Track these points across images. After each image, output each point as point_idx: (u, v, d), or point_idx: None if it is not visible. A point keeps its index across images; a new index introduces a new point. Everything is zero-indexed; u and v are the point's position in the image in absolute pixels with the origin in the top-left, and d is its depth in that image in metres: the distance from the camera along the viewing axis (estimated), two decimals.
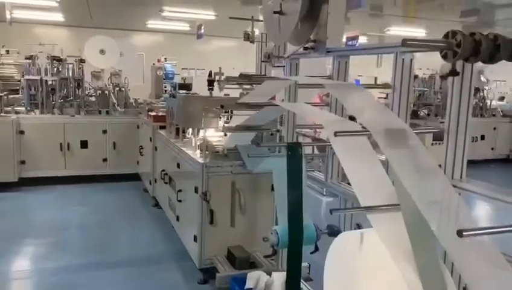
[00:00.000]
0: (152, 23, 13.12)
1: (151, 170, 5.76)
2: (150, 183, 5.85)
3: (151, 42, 13.91)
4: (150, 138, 5.72)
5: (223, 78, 4.16)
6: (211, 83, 4.05)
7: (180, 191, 4.19)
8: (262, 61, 3.26)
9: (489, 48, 1.62)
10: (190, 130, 4.33)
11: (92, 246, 4.60)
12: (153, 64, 10.35)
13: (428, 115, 9.20)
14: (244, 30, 3.50)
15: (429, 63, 12.25)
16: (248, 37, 3.47)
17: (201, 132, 4.08)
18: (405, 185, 1.42)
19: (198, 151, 3.98)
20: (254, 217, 3.74)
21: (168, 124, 5.37)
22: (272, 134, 3.30)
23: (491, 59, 1.67)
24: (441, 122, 8.72)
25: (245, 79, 3.11)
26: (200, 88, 8.50)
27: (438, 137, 8.67)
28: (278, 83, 2.82)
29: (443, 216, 1.33)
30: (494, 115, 9.89)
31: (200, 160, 3.65)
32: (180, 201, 4.19)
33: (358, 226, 2.74)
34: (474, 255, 1.19)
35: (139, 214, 5.64)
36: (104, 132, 6.94)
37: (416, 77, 10.85)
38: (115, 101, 7.16)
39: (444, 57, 1.68)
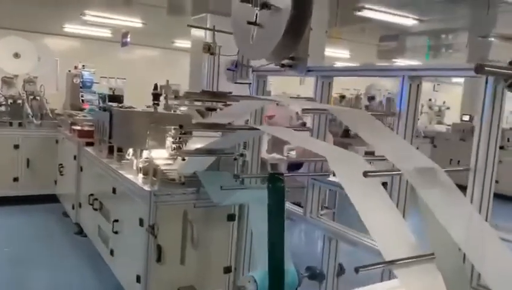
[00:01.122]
0: (70, 27, 12.15)
1: (74, 193, 5.05)
2: (73, 208, 5.12)
3: (66, 47, 12.81)
4: (75, 156, 5.01)
5: (170, 92, 3.70)
6: (156, 97, 3.56)
7: (116, 221, 3.62)
8: (228, 69, 2.86)
9: None
10: (130, 150, 3.78)
11: None
12: (69, 71, 9.44)
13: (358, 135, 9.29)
14: (204, 42, 3.08)
15: (356, 84, 12.61)
16: (209, 49, 3.06)
17: (145, 153, 3.58)
18: (453, 234, 1.30)
19: (140, 175, 3.45)
20: (208, 252, 3.29)
21: (96, 141, 4.74)
22: (235, 159, 2.90)
23: None
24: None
25: (207, 96, 2.69)
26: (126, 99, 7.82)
27: None
28: (254, 103, 2.45)
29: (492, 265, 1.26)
30: (416, 136, 10.27)
31: (147, 187, 3.14)
32: (116, 233, 3.62)
33: (341, 267, 2.44)
34: None
35: (59, 244, 4.90)
36: (16, 146, 6.05)
37: (344, 97, 11.06)
38: (29, 111, 6.28)
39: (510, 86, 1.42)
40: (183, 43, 13.83)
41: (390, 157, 1.57)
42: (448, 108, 13.78)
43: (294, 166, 6.36)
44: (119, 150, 4.05)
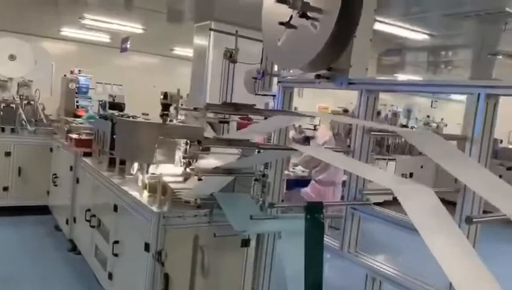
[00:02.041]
0: (67, 31, 11.80)
1: (69, 206, 4.69)
2: (67, 223, 4.76)
3: (62, 51, 12.45)
4: (71, 167, 4.66)
5: (182, 101, 3.39)
6: (166, 107, 3.24)
7: (117, 242, 3.28)
8: (255, 78, 2.55)
9: None
10: (135, 164, 3.45)
11: None
12: (64, 75, 9.12)
13: None
14: (225, 47, 2.77)
15: (342, 101, 12.32)
16: (230, 56, 2.76)
17: (152, 168, 3.26)
18: None
19: (145, 192, 3.12)
20: (218, 281, 2.96)
21: (95, 151, 4.41)
22: (256, 179, 2.58)
23: None
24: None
25: (230, 108, 2.38)
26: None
27: None
28: (287, 118, 2.15)
29: None
30: (420, 153, 10.02)
31: (155, 207, 2.81)
32: (116, 255, 3.28)
33: None
34: None
35: (50, 262, 4.52)
36: (8, 154, 5.69)
37: (347, 111, 10.78)
38: (23, 117, 5.92)
39: None
40: (183, 51, 13.55)
41: (483, 193, 1.28)
42: (446, 125, 13.60)
43: (301, 183, 6.05)
44: (121, 162, 3.72)
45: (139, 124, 3.17)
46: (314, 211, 1.86)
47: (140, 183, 3.24)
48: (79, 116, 7.18)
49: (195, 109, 3.04)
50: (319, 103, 13.48)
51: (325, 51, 1.92)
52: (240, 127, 3.28)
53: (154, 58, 15.19)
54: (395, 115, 9.78)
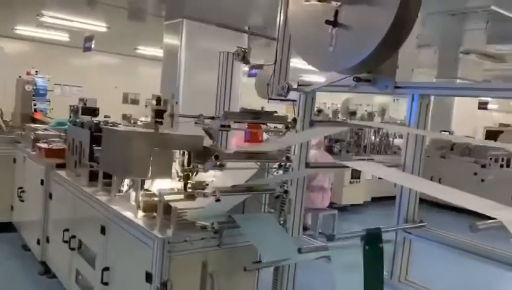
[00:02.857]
0: (22, 29, 11.06)
1: (40, 224, 4.20)
2: (38, 243, 4.25)
3: (14, 51, 11.66)
4: (42, 181, 4.17)
5: (175, 107, 3.02)
6: (159, 113, 2.86)
7: (107, 269, 2.87)
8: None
9: None
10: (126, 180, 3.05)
11: None
12: (20, 76, 8.48)
13: (340, 151, 8.88)
14: (237, 46, 2.43)
15: (333, 98, 12.24)
16: (244, 56, 2.41)
17: (146, 183, 2.88)
18: None
19: (140, 212, 2.74)
20: None
21: (70, 163, 3.95)
22: (277, 197, 2.27)
23: None
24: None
25: (249, 116, 2.06)
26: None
27: (355, 176, 8.38)
28: (324, 130, 1.85)
29: None
30: (395, 152, 10.02)
31: (157, 231, 2.43)
32: (106, 284, 2.87)
33: None
34: None
35: (20, 286, 4.02)
36: None
37: (321, 111, 10.62)
38: None
39: None
40: (148, 50, 13.01)
41: None
42: (401, 122, 13.74)
43: None
44: (105, 176, 3.30)
45: (131, 134, 2.78)
46: (374, 239, 1.57)
47: (133, 202, 2.85)
48: (42, 122, 6.64)
49: (212, 117, 2.67)
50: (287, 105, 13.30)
51: (382, 47, 1.63)
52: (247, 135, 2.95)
53: (116, 57, 14.54)
54: (371, 114, 9.70)
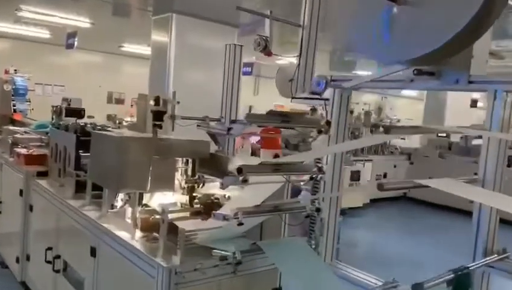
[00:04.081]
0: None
1: (20, 240, 3.73)
2: (17, 261, 3.78)
3: None
4: (21, 191, 3.71)
5: (176, 106, 2.61)
6: (159, 115, 2.45)
7: None
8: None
9: None
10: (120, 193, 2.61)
11: None
12: None
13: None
14: (257, 34, 2.03)
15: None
16: (265, 47, 2.01)
17: (145, 197, 2.46)
18: None
19: (138, 232, 2.32)
20: None
21: (53, 171, 3.51)
22: (307, 216, 1.88)
23: None
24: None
25: (277, 118, 1.67)
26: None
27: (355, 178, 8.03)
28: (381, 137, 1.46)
29: None
30: (392, 153, 9.74)
31: (160, 259, 2.01)
32: None
33: None
34: None
35: None
36: None
37: (352, 112, 10.23)
38: None
39: None
40: (133, 48, 12.51)
41: None
42: (398, 121, 13.49)
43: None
44: (95, 187, 2.86)
45: (126, 139, 2.36)
46: (463, 281, 1.20)
47: (129, 220, 2.42)
48: (22, 124, 6.17)
49: (233, 121, 2.26)
50: (275, 102, 12.94)
51: (458, 37, 1.25)
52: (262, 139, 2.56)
53: (100, 55, 13.97)
54: (368, 113, 9.40)
